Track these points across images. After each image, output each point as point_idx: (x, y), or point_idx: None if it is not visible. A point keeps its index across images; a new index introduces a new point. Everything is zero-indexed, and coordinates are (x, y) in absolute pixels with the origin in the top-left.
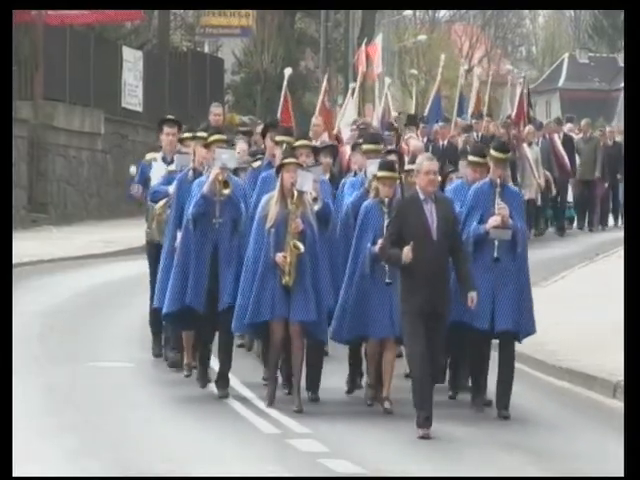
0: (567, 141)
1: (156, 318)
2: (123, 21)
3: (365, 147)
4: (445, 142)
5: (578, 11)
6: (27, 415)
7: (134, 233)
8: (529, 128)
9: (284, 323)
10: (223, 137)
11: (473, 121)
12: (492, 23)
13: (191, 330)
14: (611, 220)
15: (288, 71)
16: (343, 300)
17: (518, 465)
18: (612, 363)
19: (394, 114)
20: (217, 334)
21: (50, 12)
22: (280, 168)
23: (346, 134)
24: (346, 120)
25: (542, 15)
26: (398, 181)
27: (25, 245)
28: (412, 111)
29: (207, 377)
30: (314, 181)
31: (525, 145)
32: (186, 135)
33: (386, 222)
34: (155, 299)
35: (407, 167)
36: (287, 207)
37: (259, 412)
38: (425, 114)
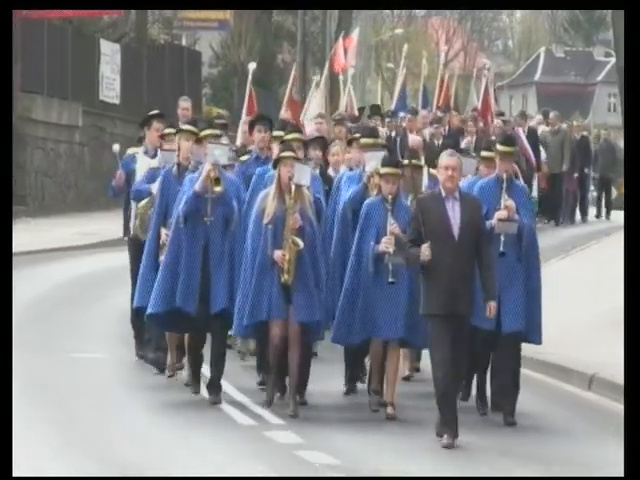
0: (531, 134)
1: (138, 318)
2: (101, 14)
3: (363, 141)
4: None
5: None
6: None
7: (111, 225)
8: (497, 122)
9: (283, 323)
10: (216, 132)
11: (439, 114)
12: (469, 17)
13: (178, 333)
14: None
15: (252, 66)
16: (348, 302)
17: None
18: (589, 356)
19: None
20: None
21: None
22: (277, 162)
23: (309, 128)
24: (310, 114)
25: None
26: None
27: None
28: (377, 102)
29: (199, 383)
30: None
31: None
32: (168, 131)
33: (389, 220)
34: (136, 298)
35: (405, 162)
36: (285, 202)
37: (254, 416)
38: (392, 107)
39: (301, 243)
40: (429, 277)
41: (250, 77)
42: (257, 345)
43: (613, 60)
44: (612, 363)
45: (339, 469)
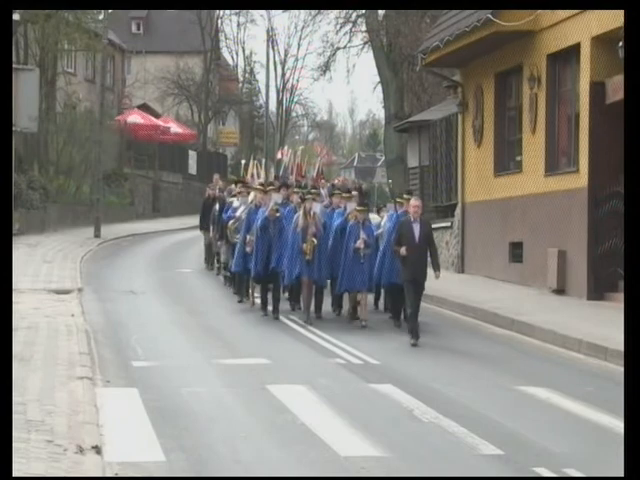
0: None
1: (234, 276)
2: (187, 140)
3: (344, 195)
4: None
5: (359, 133)
6: (148, 301)
7: (193, 221)
8: (322, 181)
9: (308, 278)
10: (275, 187)
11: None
12: (329, 144)
13: (259, 283)
14: None
15: (243, 160)
16: (341, 271)
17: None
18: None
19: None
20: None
21: (162, 136)
22: (303, 200)
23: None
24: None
25: (346, 135)
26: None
27: (150, 226)
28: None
29: (266, 306)
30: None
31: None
32: (240, 190)
33: (362, 233)
34: (235, 267)
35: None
36: (307, 220)
37: (288, 320)
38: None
39: (315, 241)
40: (404, 261)
41: (243, 165)
42: (289, 288)
43: (383, 157)
44: (434, 289)
45: (337, 347)
